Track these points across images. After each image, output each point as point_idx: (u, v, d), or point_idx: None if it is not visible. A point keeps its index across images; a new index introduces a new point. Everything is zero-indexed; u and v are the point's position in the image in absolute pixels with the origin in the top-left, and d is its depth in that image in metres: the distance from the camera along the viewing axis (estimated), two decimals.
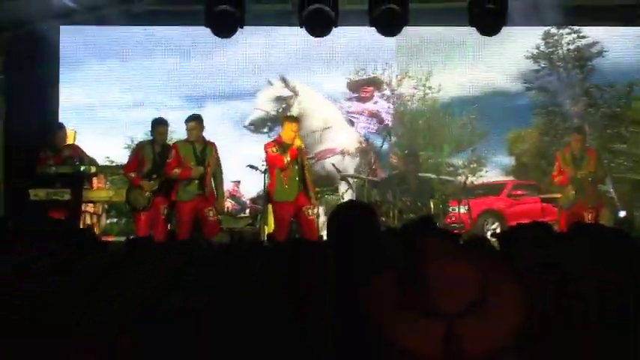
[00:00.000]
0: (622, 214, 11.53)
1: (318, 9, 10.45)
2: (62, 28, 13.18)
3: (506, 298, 2.20)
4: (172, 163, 9.89)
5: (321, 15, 10.53)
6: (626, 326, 2.70)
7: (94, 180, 11.50)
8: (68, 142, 11.28)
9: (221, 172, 10.30)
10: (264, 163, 10.40)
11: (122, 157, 12.67)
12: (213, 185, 10.19)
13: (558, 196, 10.70)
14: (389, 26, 10.78)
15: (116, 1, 12.74)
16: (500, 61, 12.82)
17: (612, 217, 11.42)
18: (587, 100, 13.40)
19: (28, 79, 12.62)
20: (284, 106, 13.72)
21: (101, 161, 12.30)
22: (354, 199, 11.84)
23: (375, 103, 13.87)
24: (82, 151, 11.15)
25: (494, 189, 13.42)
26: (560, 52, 13.20)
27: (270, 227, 10.79)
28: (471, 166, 13.73)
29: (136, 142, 11.36)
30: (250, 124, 13.72)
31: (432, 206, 10.56)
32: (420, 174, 11.32)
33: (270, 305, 3.38)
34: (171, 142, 10.46)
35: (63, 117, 12.85)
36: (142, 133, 11.58)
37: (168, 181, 10.10)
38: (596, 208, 10.52)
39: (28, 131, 11.97)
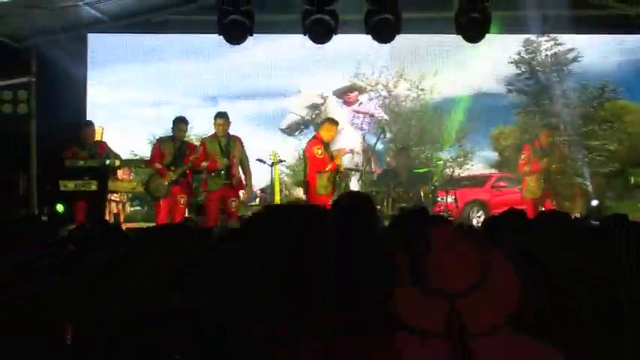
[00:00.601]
0: (594, 203, 11.77)
1: (319, 18, 10.72)
2: (90, 35, 13.55)
3: (504, 277, 2.18)
4: (200, 158, 10.29)
5: (322, 24, 10.78)
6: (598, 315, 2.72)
7: (119, 172, 11.78)
8: (95, 139, 11.50)
9: (248, 163, 10.71)
10: (271, 157, 10.87)
11: (144, 151, 12.99)
12: (243, 175, 10.62)
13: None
14: (383, 34, 11.04)
15: (138, 12, 13.11)
16: (485, 65, 13.06)
17: (585, 206, 11.86)
18: (564, 101, 13.64)
19: (58, 81, 12.95)
20: (317, 112, 14.16)
21: (125, 155, 12.47)
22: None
23: (360, 104, 14.31)
24: (108, 146, 11.31)
25: (479, 181, 13.69)
26: (539, 57, 13.47)
27: None
28: (459, 159, 13.99)
29: (156, 138, 11.64)
30: (287, 127, 14.20)
31: (422, 196, 10.90)
32: (411, 167, 11.69)
33: (270, 305, 3.70)
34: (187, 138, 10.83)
35: (90, 115, 13.03)
36: (163, 130, 11.80)
37: (186, 173, 10.51)
38: (560, 197, 10.85)
39: (58, 128, 12.27)
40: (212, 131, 10.67)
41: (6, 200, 11.29)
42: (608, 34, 12.64)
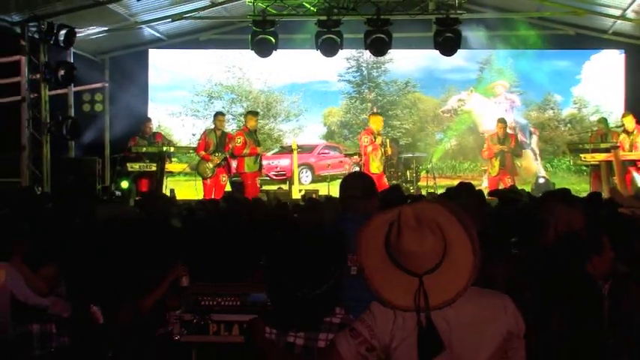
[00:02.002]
0: (541, 180, 12.39)
1: (328, 37, 11.44)
2: (150, 50, 14.32)
3: (463, 252, 2.06)
4: (242, 146, 10.95)
5: (331, 41, 11.49)
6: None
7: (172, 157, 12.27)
8: (154, 130, 12.07)
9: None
10: (292, 146, 11.74)
11: (193, 140, 13.44)
12: None
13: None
14: (378, 49, 11.76)
15: (188, 32, 13.94)
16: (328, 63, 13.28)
17: (534, 181, 12.59)
18: (378, 91, 14.74)
19: (126, 86, 13.69)
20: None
21: (177, 143, 13.16)
22: None
23: None
24: (163, 136, 12.05)
25: (310, 148, 14.23)
26: (364, 57, 14.16)
27: (295, 190, 11.90)
28: (295, 131, 14.79)
29: (195, 130, 12.12)
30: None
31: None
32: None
33: None
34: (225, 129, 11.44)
35: (150, 112, 13.80)
36: (208, 123, 12.24)
37: (227, 158, 11.18)
38: (512, 176, 11.61)
39: (125, 123, 13.01)
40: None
41: (87, 178, 11.58)
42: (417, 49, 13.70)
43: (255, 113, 11.58)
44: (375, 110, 13.83)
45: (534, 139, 14.36)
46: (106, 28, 12.42)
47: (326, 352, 2.15)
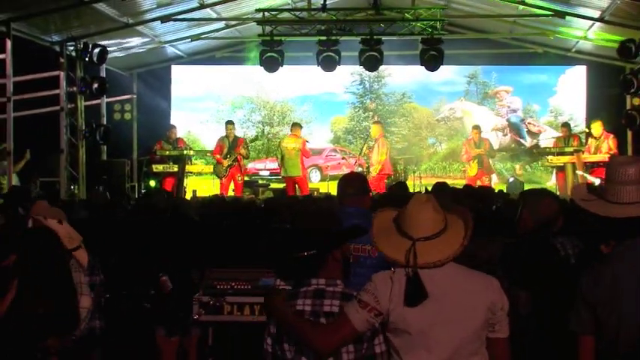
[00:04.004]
0: (511, 179, 12.40)
1: (328, 55, 11.41)
2: (173, 66, 14.29)
3: (457, 230, 2.25)
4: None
5: (330, 58, 11.45)
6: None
7: (193, 159, 12.18)
8: (177, 136, 11.90)
9: None
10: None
11: (210, 145, 13.19)
12: None
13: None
14: (371, 66, 11.72)
15: (206, 50, 13.93)
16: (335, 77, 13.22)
17: (505, 181, 12.63)
18: (379, 102, 14.73)
19: (152, 98, 13.73)
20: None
21: (197, 148, 13.30)
22: None
23: None
24: (185, 142, 12.01)
25: (318, 151, 14.00)
26: (367, 72, 13.64)
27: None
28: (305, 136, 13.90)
29: (218, 136, 11.88)
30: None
31: None
32: None
33: None
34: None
35: (173, 120, 13.71)
36: (221, 130, 12.07)
37: (237, 159, 11.21)
38: (489, 174, 11.70)
39: (151, 130, 13.06)
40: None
41: (118, 178, 11.64)
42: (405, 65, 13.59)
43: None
44: (375, 119, 13.87)
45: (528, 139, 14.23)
46: (134, 47, 12.44)
47: (338, 321, 2.24)
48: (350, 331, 2.21)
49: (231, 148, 11.33)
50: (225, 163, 11.26)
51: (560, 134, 11.81)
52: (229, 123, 11.69)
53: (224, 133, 11.60)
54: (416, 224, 2.23)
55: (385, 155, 11.30)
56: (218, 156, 11.35)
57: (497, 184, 12.17)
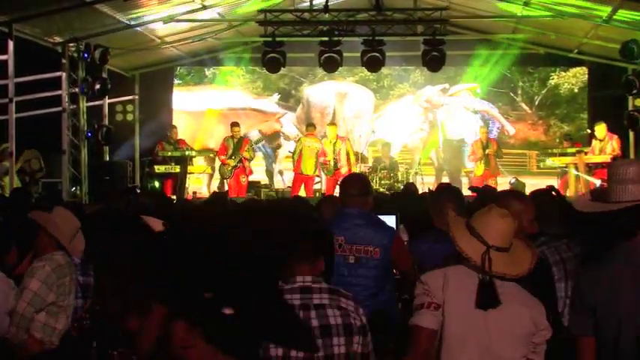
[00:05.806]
0: (512, 180, 12.39)
1: (330, 56, 11.41)
2: (175, 67, 14.30)
3: (523, 250, 2.34)
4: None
5: (332, 59, 11.45)
6: None
7: (194, 160, 12.21)
8: (178, 137, 11.91)
9: None
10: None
11: (212, 145, 13.36)
12: None
13: None
14: (373, 66, 11.71)
15: (207, 52, 13.82)
16: None
17: (507, 181, 12.47)
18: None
19: (153, 98, 13.77)
20: None
21: (198, 148, 13.08)
22: None
23: None
24: (186, 142, 11.99)
25: None
26: None
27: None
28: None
29: (222, 137, 11.90)
30: None
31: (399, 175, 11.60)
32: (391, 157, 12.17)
33: None
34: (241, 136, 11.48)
35: (175, 120, 13.69)
36: (226, 131, 12.08)
37: (242, 160, 11.21)
38: (495, 175, 11.71)
39: (153, 130, 13.10)
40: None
41: (120, 178, 11.61)
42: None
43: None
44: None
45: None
46: (136, 48, 12.48)
47: (414, 333, 2.29)
48: (426, 335, 2.27)
49: (236, 148, 11.35)
50: (230, 164, 11.28)
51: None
52: (235, 124, 11.65)
53: (229, 134, 11.62)
54: (491, 232, 2.27)
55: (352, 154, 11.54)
56: (223, 157, 11.35)
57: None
